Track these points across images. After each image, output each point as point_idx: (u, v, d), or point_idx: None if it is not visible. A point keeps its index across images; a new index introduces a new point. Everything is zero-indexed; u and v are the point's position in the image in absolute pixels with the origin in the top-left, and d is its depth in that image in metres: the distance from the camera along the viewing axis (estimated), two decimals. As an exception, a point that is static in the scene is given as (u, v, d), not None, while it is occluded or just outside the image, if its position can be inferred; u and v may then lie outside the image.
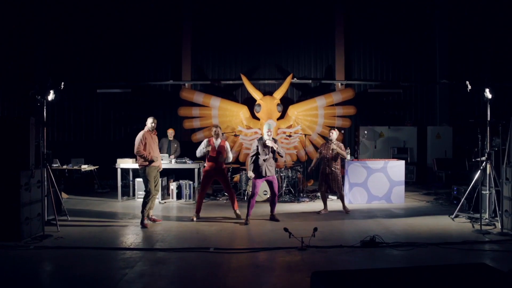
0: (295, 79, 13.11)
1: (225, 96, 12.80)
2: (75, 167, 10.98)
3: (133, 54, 13.66)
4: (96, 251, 5.64)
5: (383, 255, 5.56)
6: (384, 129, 13.37)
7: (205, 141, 7.95)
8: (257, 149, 7.49)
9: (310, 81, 13.57)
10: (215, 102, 12.23)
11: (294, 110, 12.29)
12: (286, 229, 6.00)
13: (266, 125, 7.62)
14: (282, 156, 7.66)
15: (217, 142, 8.10)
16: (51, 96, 6.91)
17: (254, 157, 7.52)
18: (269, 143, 7.43)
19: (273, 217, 7.69)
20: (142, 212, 7.22)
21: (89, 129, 13.92)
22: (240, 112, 12.21)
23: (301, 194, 10.30)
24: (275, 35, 13.64)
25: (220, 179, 8.10)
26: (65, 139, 13.93)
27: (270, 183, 7.63)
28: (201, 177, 8.33)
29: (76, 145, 13.51)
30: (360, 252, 5.64)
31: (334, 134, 8.35)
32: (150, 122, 7.47)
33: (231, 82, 13.43)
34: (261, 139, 7.59)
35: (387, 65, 13.98)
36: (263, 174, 7.47)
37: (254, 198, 7.52)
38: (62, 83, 7.24)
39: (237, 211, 8.07)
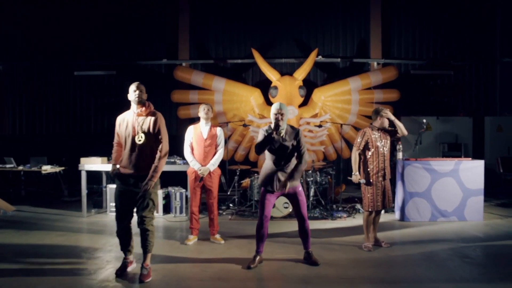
0: (320, 57, 10.35)
1: (233, 78, 10.06)
2: (33, 169, 8.33)
3: (119, 28, 10.99)
4: None
5: None
6: (431, 120, 10.52)
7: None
8: (266, 141, 4.48)
9: (339, 59, 10.78)
10: (219, 84, 9.50)
11: (321, 95, 9.52)
12: None
13: (276, 105, 4.51)
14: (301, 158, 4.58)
15: (206, 128, 5.43)
16: None
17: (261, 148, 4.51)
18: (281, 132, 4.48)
19: (308, 257, 4.72)
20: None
21: (64, 119, 11.29)
22: (251, 97, 9.48)
23: (334, 206, 7.56)
24: (294, 3, 10.87)
25: (207, 186, 5.50)
26: (36, 131, 11.33)
27: (292, 200, 4.71)
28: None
29: (48, 140, 10.86)
30: None
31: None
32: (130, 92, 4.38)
33: (239, 61, 10.70)
34: (269, 127, 4.58)
35: (434, 40, 11.10)
36: (275, 186, 4.54)
37: (264, 224, 4.62)
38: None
39: (217, 237, 5.60)
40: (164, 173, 7.73)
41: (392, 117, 5.26)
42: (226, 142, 9.43)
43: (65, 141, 10.70)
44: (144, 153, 4.20)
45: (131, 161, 4.23)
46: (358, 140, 5.20)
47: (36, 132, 11.31)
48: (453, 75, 11.08)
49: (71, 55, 11.10)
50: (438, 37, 11.09)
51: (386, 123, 5.24)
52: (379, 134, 5.22)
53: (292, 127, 4.63)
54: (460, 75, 11.15)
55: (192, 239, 5.52)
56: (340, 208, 7.45)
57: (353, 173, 5.22)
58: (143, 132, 4.23)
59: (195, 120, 9.72)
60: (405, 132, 5.24)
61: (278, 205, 6.89)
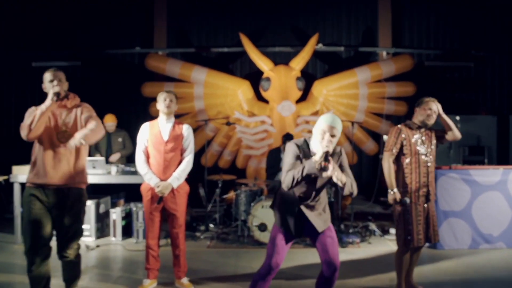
0: (320, 45, 8.79)
1: (218, 69, 8.42)
2: (-34, 178, 6.67)
3: (84, 12, 9.29)
4: None
5: None
6: (450, 118, 8.96)
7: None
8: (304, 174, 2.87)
9: (342, 48, 9.21)
10: (199, 75, 7.88)
11: (322, 88, 7.93)
12: None
13: (328, 118, 2.94)
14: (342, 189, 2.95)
15: (167, 126, 3.80)
16: None
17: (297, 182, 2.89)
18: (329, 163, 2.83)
19: None
20: None
21: (19, 118, 9.58)
22: (239, 90, 7.87)
23: (342, 226, 5.96)
24: (290, -18, 9.27)
25: (170, 210, 3.82)
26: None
27: (318, 239, 3.05)
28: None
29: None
30: None
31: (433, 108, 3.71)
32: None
33: (226, 49, 9.08)
34: (305, 144, 3.03)
35: (452, 27, 9.57)
36: (297, 227, 3.05)
37: (270, 276, 3.05)
38: None
39: (184, 283, 3.91)
40: (124, 186, 6.20)
41: (442, 113, 3.69)
42: (208, 144, 7.82)
43: (20, 145, 9.01)
44: (69, 155, 3.26)
45: (51, 167, 3.21)
46: (391, 140, 3.62)
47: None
48: (473, 68, 9.51)
49: (29, 43, 9.42)
50: (456, 23, 9.55)
51: (431, 117, 3.65)
52: (420, 135, 3.64)
53: (336, 149, 3.09)
54: (481, 67, 9.60)
55: (149, 285, 3.87)
56: (350, 230, 5.85)
57: (389, 190, 3.61)
58: (68, 128, 3.27)
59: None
60: (458, 135, 3.69)
61: (272, 227, 5.27)
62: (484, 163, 8.85)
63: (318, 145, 2.87)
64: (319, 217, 3.04)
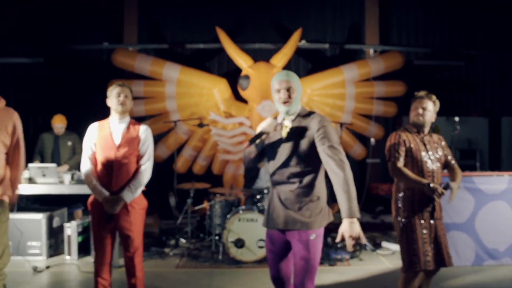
0: (303, 41, 8.21)
1: (193, 67, 7.77)
2: None
3: (48, 4, 8.57)
4: None
5: None
6: (440, 121, 8.42)
7: None
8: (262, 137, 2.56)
9: (327, 45, 8.63)
10: (172, 72, 7.19)
11: (306, 87, 7.33)
12: None
13: (278, 75, 2.66)
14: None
15: (119, 127, 3.09)
16: None
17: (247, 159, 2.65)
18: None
19: None
20: None
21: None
22: (215, 89, 7.21)
23: (329, 240, 5.36)
24: (272, -25, 8.64)
25: (123, 230, 3.10)
26: None
27: (294, 263, 2.50)
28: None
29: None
30: None
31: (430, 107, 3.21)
32: None
33: (202, 45, 8.41)
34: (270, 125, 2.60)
35: (442, 25, 9.10)
36: (275, 216, 2.48)
37: None
38: None
39: None
40: (82, 197, 5.48)
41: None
42: (181, 148, 7.13)
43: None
44: None
45: None
46: (393, 150, 3.02)
47: None
48: (464, 67, 9.08)
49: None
50: (446, 20, 9.09)
51: (420, 116, 3.08)
52: (421, 140, 3.06)
53: (311, 113, 2.55)
54: (472, 66, 9.16)
55: (98, 322, 3.17)
56: (339, 244, 5.23)
57: (428, 184, 2.93)
58: None
59: (142, 120, 7.37)
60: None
61: (250, 243, 4.63)
62: (476, 167, 8.40)
63: (280, 107, 2.55)
64: (290, 214, 2.43)
